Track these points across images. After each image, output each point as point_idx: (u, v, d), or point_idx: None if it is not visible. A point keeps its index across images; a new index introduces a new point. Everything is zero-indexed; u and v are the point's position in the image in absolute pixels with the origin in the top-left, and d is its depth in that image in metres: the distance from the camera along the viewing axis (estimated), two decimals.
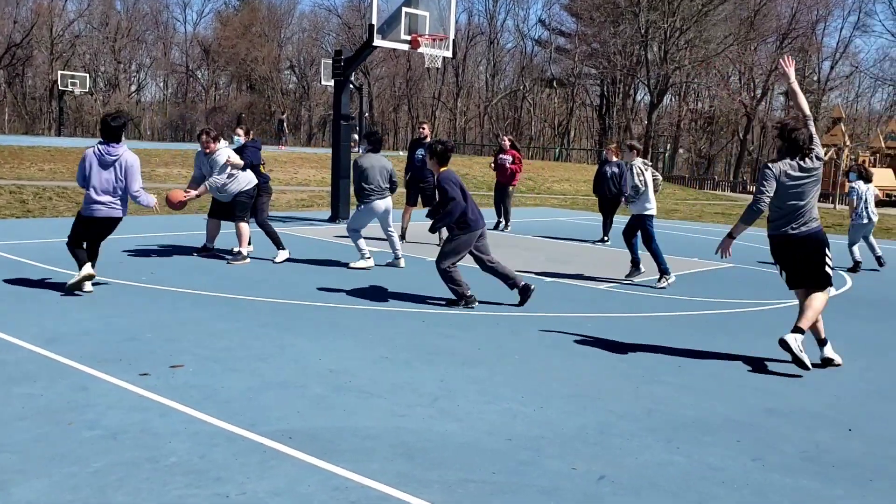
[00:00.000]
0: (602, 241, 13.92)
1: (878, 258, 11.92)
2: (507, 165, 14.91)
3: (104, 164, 7.21)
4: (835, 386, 5.60)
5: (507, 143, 15.27)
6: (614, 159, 13.83)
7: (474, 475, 3.75)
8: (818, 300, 5.88)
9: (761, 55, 52.87)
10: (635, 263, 9.86)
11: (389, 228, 9.93)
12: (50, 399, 4.54)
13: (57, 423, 4.18)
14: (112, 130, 7.21)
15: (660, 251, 9.36)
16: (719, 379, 5.62)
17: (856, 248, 11.71)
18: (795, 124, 5.87)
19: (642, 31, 48.48)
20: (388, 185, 9.67)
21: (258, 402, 4.64)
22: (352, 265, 9.76)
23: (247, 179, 9.70)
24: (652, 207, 9.43)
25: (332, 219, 15.16)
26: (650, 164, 9.73)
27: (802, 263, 5.92)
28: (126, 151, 7.32)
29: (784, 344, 5.71)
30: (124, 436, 4.04)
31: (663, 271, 9.32)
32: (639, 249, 9.76)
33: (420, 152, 11.99)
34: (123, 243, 10.51)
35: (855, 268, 11.46)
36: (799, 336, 5.71)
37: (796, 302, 6.17)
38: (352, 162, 10.17)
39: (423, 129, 12.61)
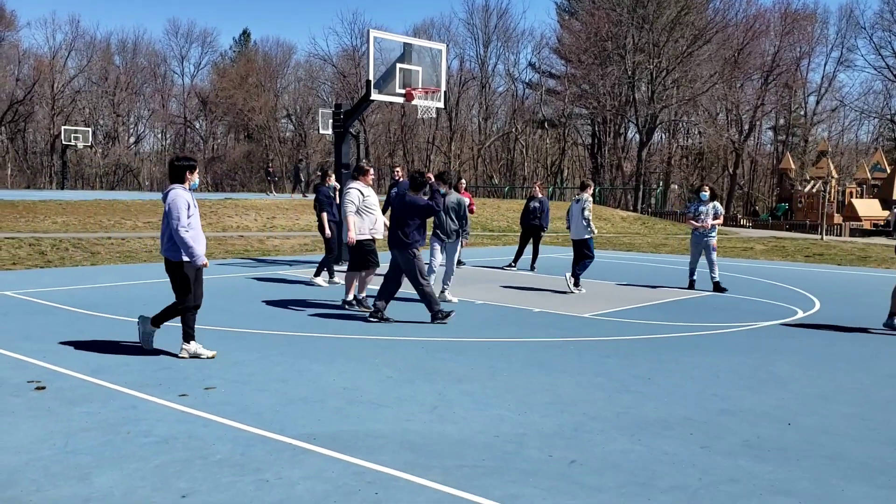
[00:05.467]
0: (510, 265, 15.50)
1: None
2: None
3: None
4: (784, 391, 6.41)
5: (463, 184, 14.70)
6: (539, 195, 15.40)
7: (467, 462, 4.55)
8: None
9: (747, 92, 54.37)
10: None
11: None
12: (107, 415, 5.34)
13: (117, 432, 4.98)
14: None
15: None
16: (683, 388, 6.43)
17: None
18: None
19: (629, 73, 50.01)
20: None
21: (284, 414, 5.44)
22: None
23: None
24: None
25: (335, 261, 15.98)
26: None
27: None
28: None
29: None
30: (175, 441, 4.83)
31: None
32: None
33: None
34: (142, 289, 11.34)
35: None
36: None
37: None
38: None
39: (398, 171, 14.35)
